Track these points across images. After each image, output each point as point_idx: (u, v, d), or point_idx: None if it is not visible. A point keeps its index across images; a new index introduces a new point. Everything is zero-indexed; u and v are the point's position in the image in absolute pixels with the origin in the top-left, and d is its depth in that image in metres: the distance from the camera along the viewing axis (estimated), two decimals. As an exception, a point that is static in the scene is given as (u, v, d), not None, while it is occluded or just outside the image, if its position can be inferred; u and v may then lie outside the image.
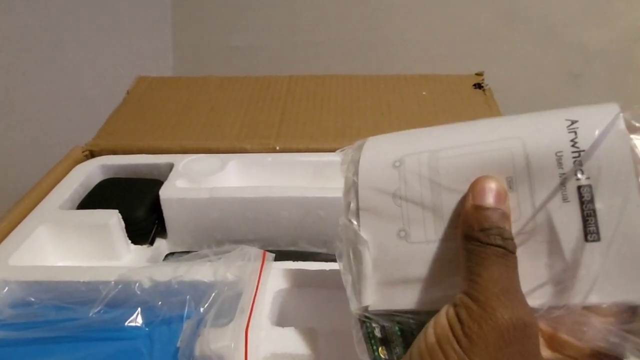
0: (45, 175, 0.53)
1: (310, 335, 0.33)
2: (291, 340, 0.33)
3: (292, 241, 0.50)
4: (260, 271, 0.37)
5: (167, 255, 0.51)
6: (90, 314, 0.36)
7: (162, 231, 0.51)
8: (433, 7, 1.08)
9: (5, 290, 0.38)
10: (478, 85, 0.67)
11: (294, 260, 0.42)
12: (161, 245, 0.50)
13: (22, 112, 0.94)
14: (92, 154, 0.58)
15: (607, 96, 1.06)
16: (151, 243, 0.50)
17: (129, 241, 0.48)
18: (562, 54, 1.06)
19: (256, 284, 0.36)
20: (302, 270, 0.39)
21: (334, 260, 0.44)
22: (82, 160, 0.57)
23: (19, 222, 0.46)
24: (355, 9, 1.11)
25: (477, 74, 0.71)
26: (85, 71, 1.04)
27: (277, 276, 0.38)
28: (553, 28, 1.03)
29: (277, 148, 0.56)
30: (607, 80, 1.05)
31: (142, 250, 0.49)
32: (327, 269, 0.39)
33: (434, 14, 1.09)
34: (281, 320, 0.36)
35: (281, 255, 0.47)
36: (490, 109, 0.62)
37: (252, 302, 0.34)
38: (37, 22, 0.93)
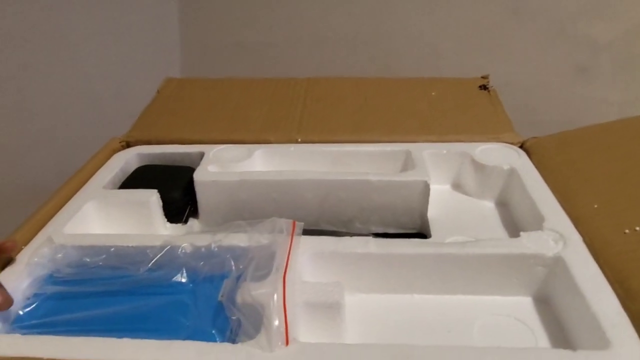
0: (88, 161, 0.57)
1: (338, 287, 0.37)
2: (322, 291, 0.37)
3: (314, 221, 0.54)
4: (292, 236, 0.41)
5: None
6: (140, 272, 0.41)
7: (194, 212, 0.56)
8: (439, 1, 1.11)
9: (63, 253, 0.43)
10: (483, 87, 0.72)
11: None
12: (194, 225, 0.55)
13: (33, 108, 0.98)
14: (128, 145, 0.63)
15: (614, 90, 1.09)
16: (185, 222, 0.54)
17: (166, 219, 0.53)
18: (568, 48, 1.07)
19: (289, 245, 0.40)
20: (328, 237, 0.43)
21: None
22: (119, 150, 0.61)
23: (68, 199, 0.51)
24: (361, 5, 1.13)
25: (482, 77, 0.75)
26: (93, 69, 1.08)
27: (305, 243, 0.43)
28: (560, 21, 1.04)
29: (299, 140, 0.61)
30: (614, 73, 1.06)
31: (177, 228, 0.54)
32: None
33: (440, 8, 1.11)
34: (312, 276, 0.41)
35: (304, 234, 0.51)
36: (495, 109, 0.67)
37: (286, 260, 0.39)
38: (47, 20, 0.98)
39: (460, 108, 0.67)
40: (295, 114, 0.67)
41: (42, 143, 1.00)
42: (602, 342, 0.32)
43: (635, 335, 0.33)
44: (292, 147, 0.59)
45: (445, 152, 0.57)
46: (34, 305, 0.38)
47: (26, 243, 0.44)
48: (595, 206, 0.44)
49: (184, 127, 0.65)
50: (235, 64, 1.26)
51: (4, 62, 0.91)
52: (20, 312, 0.38)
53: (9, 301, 0.37)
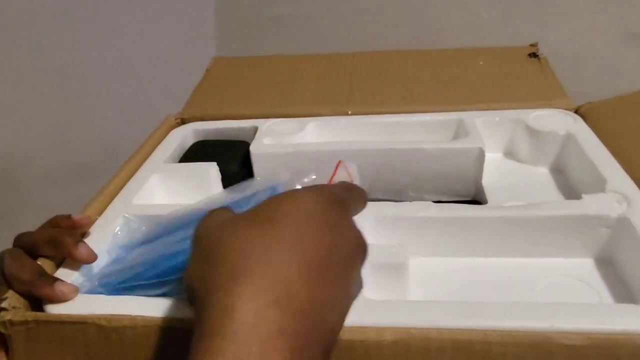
0: (147, 138, 0.60)
1: (402, 248, 0.38)
2: (387, 253, 0.38)
3: (369, 190, 0.55)
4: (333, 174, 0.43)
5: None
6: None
7: (251, 184, 0.57)
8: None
9: (135, 223, 0.45)
10: (533, 55, 0.71)
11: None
12: (251, 197, 0.57)
13: (77, 86, 1.02)
14: (183, 121, 0.65)
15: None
16: (243, 194, 0.56)
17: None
18: (620, 13, 1.04)
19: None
20: (389, 202, 0.45)
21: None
22: (175, 126, 0.64)
23: (133, 174, 0.53)
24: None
25: (531, 45, 0.74)
26: (131, 45, 1.10)
27: (366, 208, 0.44)
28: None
29: (349, 112, 0.62)
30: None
31: (235, 200, 0.56)
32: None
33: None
34: (374, 240, 0.42)
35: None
36: (547, 76, 0.66)
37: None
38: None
39: (510, 76, 0.66)
40: (343, 87, 0.67)
41: (85, 121, 1.03)
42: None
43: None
44: (343, 119, 0.60)
45: (497, 119, 0.57)
46: (115, 267, 0.41)
47: (99, 214, 0.47)
48: (659, 168, 0.44)
49: (235, 104, 0.66)
50: (270, 36, 1.25)
51: (49, 37, 0.93)
52: (101, 272, 0.40)
53: (92, 255, 0.39)
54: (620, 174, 0.44)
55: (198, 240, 0.28)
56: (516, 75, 0.66)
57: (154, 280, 0.37)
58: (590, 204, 0.41)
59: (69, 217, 0.42)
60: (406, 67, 0.71)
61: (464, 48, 0.77)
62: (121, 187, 0.51)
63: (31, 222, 1.00)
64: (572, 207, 0.41)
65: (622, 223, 0.39)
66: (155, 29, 1.15)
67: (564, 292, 0.39)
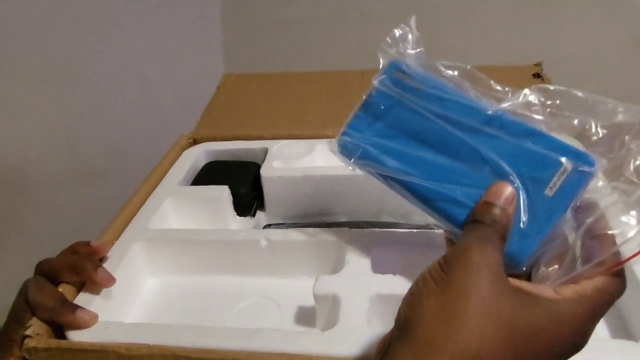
0: (162, 158, 0.62)
1: (406, 280, 0.40)
2: (392, 284, 0.40)
3: (375, 214, 0.57)
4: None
5: (265, 226, 0.59)
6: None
7: (260, 205, 0.59)
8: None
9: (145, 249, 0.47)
10: (537, 75, 0.72)
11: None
12: (260, 217, 0.59)
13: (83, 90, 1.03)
14: (195, 141, 0.67)
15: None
16: (253, 215, 0.58)
17: (235, 213, 0.57)
18: (625, 18, 1.03)
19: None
20: (393, 231, 0.46)
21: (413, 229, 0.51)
22: (187, 147, 0.66)
23: (148, 196, 0.55)
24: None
25: (536, 65, 0.76)
26: (139, 50, 1.11)
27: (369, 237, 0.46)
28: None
29: (357, 134, 0.63)
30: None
31: (246, 220, 0.58)
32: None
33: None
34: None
35: (367, 225, 0.54)
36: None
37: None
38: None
39: (515, 98, 0.67)
40: (351, 107, 0.69)
41: (92, 125, 1.05)
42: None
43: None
44: (350, 142, 0.62)
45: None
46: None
47: (116, 238, 0.49)
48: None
49: (246, 124, 0.68)
50: (277, 40, 1.25)
51: (59, 42, 0.95)
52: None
53: (111, 279, 0.41)
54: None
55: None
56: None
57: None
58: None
59: (87, 243, 0.44)
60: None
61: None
62: (137, 210, 0.53)
63: (39, 225, 1.02)
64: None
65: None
66: (162, 33, 1.16)
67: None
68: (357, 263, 0.42)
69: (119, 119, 1.10)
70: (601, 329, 0.40)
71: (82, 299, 0.41)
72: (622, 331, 0.39)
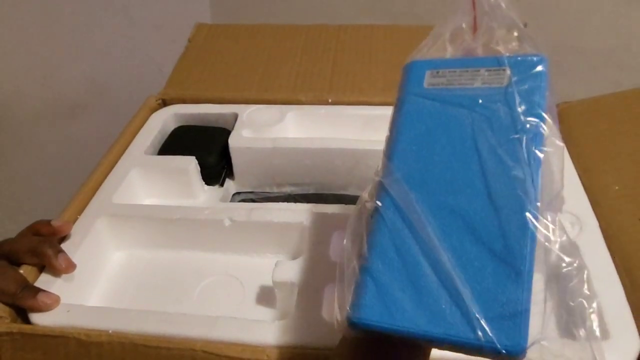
0: (129, 122, 0.60)
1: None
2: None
3: (344, 186, 0.57)
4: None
5: (234, 195, 0.59)
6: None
7: (229, 174, 0.59)
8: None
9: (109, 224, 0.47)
10: (520, 38, 0.70)
11: (345, 204, 0.49)
12: (229, 186, 0.59)
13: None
14: (165, 103, 0.65)
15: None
16: (221, 184, 0.58)
17: (203, 183, 0.57)
18: None
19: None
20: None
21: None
22: (156, 108, 0.64)
23: (114, 165, 0.54)
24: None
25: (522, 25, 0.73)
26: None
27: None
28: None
29: (330, 100, 0.62)
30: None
31: (214, 190, 0.57)
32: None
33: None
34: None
35: (334, 198, 0.55)
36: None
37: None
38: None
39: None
40: (326, 70, 0.67)
41: (69, 58, 1.02)
42: (603, 333, 0.36)
43: (634, 328, 0.36)
44: (323, 110, 0.61)
45: (473, 118, 0.57)
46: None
47: (79, 213, 0.49)
48: (616, 188, 0.46)
49: (218, 85, 0.66)
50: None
51: None
52: None
53: (71, 266, 0.42)
54: (579, 193, 0.46)
55: None
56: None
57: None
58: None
59: (48, 223, 0.44)
60: (392, 47, 0.71)
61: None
62: (102, 180, 0.52)
63: (24, 161, 1.01)
64: (528, 230, 0.43)
65: (572, 248, 0.42)
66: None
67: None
68: (317, 249, 0.43)
69: (99, 53, 1.07)
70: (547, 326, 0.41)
71: (44, 280, 0.42)
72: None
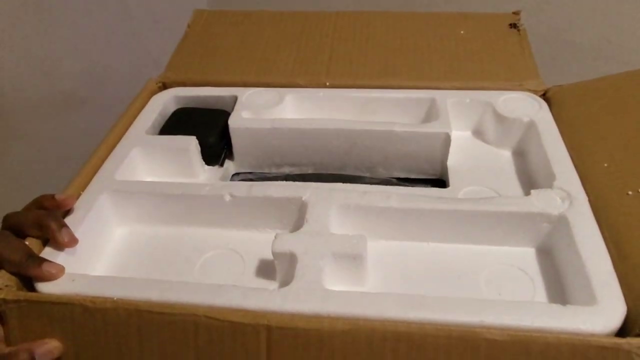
0: (130, 104, 0.61)
1: (362, 240, 0.42)
2: (348, 243, 0.42)
3: (341, 166, 0.58)
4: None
5: (233, 175, 0.60)
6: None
7: (229, 154, 0.60)
8: None
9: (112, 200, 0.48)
10: (514, 25, 0.72)
11: (343, 182, 0.50)
12: (229, 166, 0.60)
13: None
14: (165, 86, 0.66)
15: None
16: (221, 164, 0.59)
17: (203, 162, 0.58)
18: None
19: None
20: (353, 191, 0.48)
21: (377, 184, 0.53)
22: (156, 91, 0.65)
23: (115, 144, 0.55)
24: None
25: (514, 13, 0.74)
26: None
27: (332, 197, 0.47)
28: None
29: (327, 84, 0.63)
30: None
31: (214, 170, 0.59)
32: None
33: None
34: (338, 227, 0.46)
35: (332, 178, 0.56)
36: (523, 51, 0.67)
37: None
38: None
39: (488, 50, 0.67)
40: (324, 55, 0.68)
41: (67, 50, 1.03)
42: (590, 298, 0.37)
43: (620, 294, 0.37)
44: (321, 92, 0.62)
45: (468, 100, 0.59)
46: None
47: (82, 189, 0.50)
48: (605, 165, 0.47)
49: (217, 68, 0.67)
50: None
51: None
52: None
53: (74, 240, 0.43)
54: (570, 170, 0.48)
55: None
56: (494, 50, 0.67)
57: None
58: (537, 201, 0.44)
59: (52, 197, 0.45)
60: (388, 33, 0.72)
61: (448, 12, 0.77)
62: (104, 160, 0.53)
63: (22, 152, 1.02)
64: (520, 204, 0.45)
65: (561, 220, 0.43)
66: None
67: (504, 280, 0.44)
68: (316, 222, 0.44)
69: (97, 45, 1.07)
70: (539, 289, 0.43)
71: (48, 252, 0.43)
72: (558, 292, 0.42)
